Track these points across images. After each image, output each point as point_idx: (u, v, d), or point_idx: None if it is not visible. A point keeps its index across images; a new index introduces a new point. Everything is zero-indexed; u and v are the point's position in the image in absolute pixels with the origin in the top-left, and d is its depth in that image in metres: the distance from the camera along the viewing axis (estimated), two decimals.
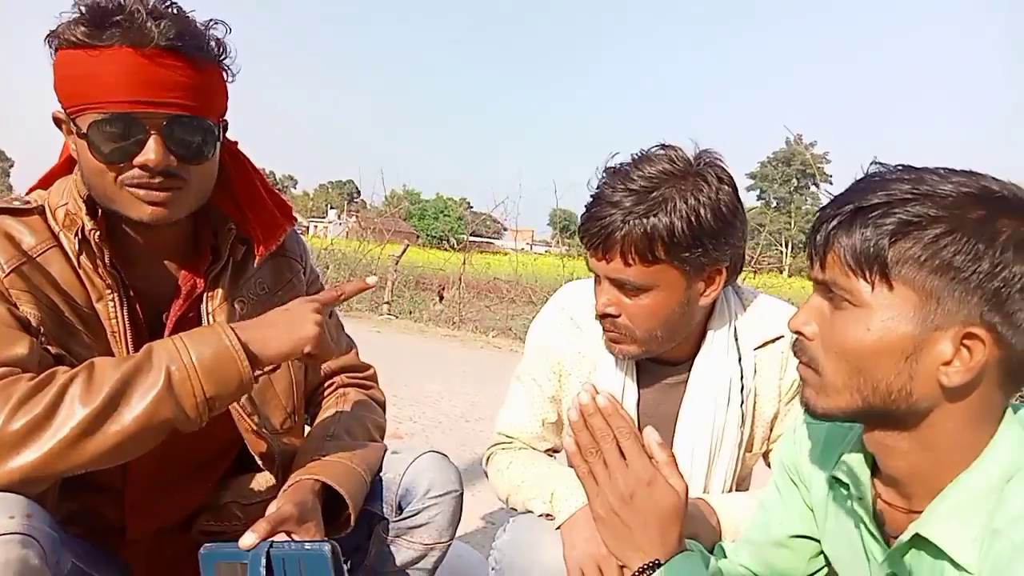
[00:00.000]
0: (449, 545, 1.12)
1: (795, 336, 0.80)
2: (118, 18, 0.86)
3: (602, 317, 1.14)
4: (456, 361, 6.06)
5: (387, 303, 10.01)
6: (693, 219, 1.03)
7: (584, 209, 1.12)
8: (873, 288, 0.71)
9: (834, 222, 0.73)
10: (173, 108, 0.91)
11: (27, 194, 1.03)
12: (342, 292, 1.03)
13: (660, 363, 1.22)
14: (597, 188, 1.11)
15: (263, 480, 1.12)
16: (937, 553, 0.73)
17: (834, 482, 0.86)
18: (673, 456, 0.83)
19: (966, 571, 0.70)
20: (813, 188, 57.54)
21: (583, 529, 1.05)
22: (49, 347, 0.90)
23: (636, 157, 1.10)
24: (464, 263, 10.89)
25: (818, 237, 0.75)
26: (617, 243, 1.05)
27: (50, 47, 0.92)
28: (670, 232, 1.03)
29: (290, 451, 1.12)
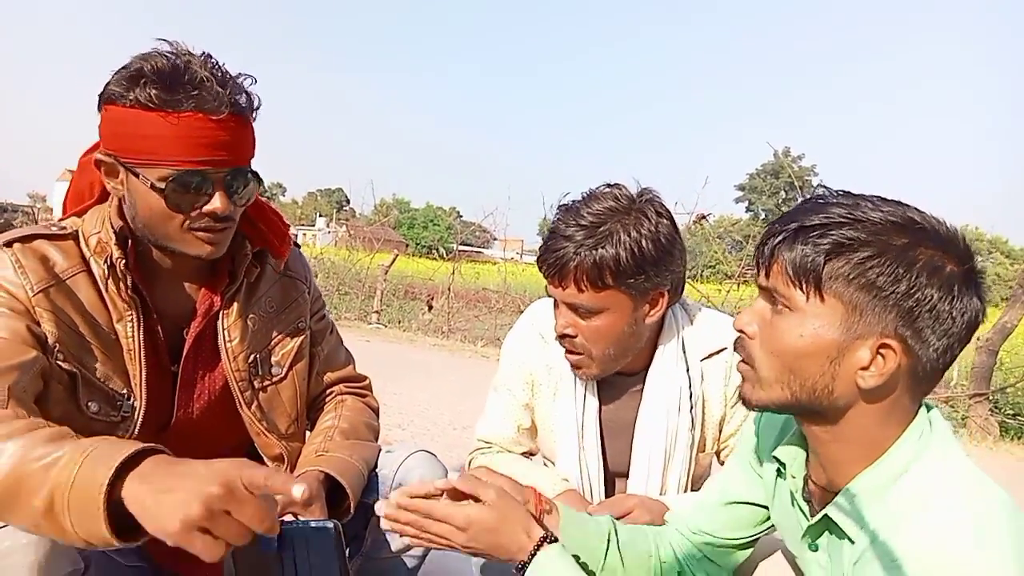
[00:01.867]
0: None
1: (737, 334, 0.91)
2: (189, 87, 0.98)
3: (561, 337, 1.29)
4: (444, 370, 6.15)
5: (376, 312, 10.10)
6: (636, 250, 1.18)
7: (542, 242, 1.26)
8: (808, 298, 0.81)
9: (779, 237, 0.84)
10: (232, 163, 1.05)
11: (62, 220, 1.14)
12: (261, 485, 0.75)
13: (618, 374, 1.36)
14: (552, 223, 1.25)
15: None
16: (839, 531, 0.86)
17: (775, 461, 1.00)
18: (471, 477, 0.98)
19: (853, 542, 0.83)
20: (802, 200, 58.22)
21: None
22: (63, 363, 1.00)
23: (585, 195, 1.25)
24: (453, 273, 10.97)
25: (765, 249, 0.85)
26: (570, 272, 1.19)
27: (113, 103, 1.00)
28: (616, 262, 1.17)
29: (295, 452, 1.24)
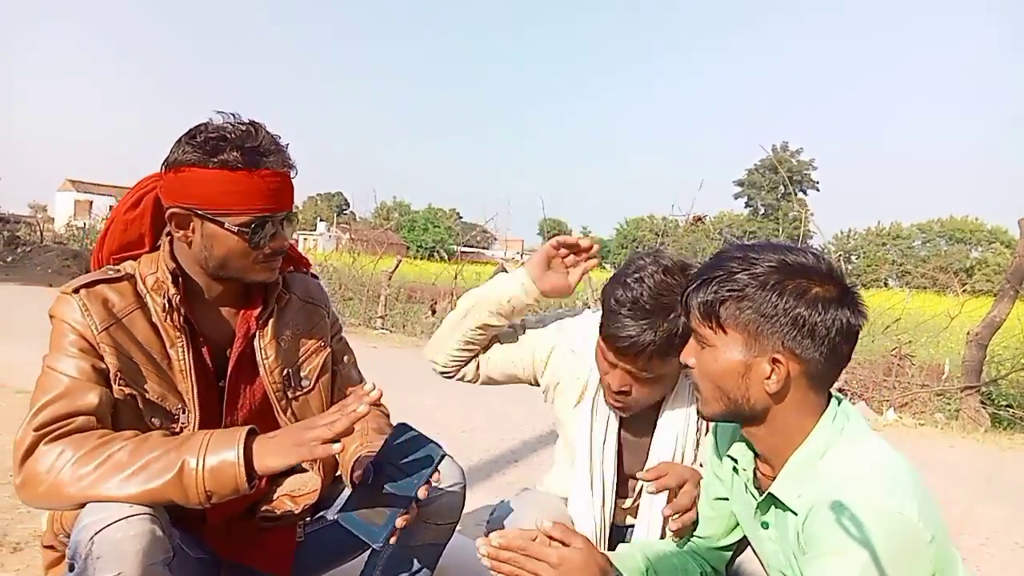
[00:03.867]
0: (456, 525, 1.42)
1: (684, 366, 1.15)
2: (263, 150, 1.21)
3: (616, 393, 1.44)
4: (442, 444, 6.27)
5: (381, 317, 10.29)
6: None
7: (606, 320, 1.36)
8: (715, 332, 1.06)
9: (692, 286, 1.09)
10: (286, 208, 1.28)
11: (117, 264, 1.33)
12: (354, 415, 1.14)
13: None
14: (611, 303, 1.35)
15: (306, 477, 1.41)
16: (782, 506, 1.08)
17: (730, 460, 1.22)
18: (560, 525, 1.17)
19: (795, 513, 1.05)
20: (801, 195, 58.30)
21: None
22: (125, 388, 1.20)
23: (635, 272, 1.35)
24: (456, 276, 11.14)
25: (685, 300, 1.11)
26: (645, 354, 1.33)
27: (193, 166, 1.19)
28: (676, 335, 1.31)
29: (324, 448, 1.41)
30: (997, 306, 6.54)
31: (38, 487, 1.08)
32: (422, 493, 1.16)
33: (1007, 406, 6.58)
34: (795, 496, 1.05)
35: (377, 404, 1.55)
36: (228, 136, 1.20)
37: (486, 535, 1.48)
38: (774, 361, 1.03)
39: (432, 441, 1.20)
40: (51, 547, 1.32)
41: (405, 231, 43.91)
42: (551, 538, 1.15)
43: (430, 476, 1.17)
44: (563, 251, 1.54)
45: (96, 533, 1.00)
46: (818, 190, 63.59)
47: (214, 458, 1.08)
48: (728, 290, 1.04)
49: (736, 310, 1.04)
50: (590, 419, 1.53)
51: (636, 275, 1.36)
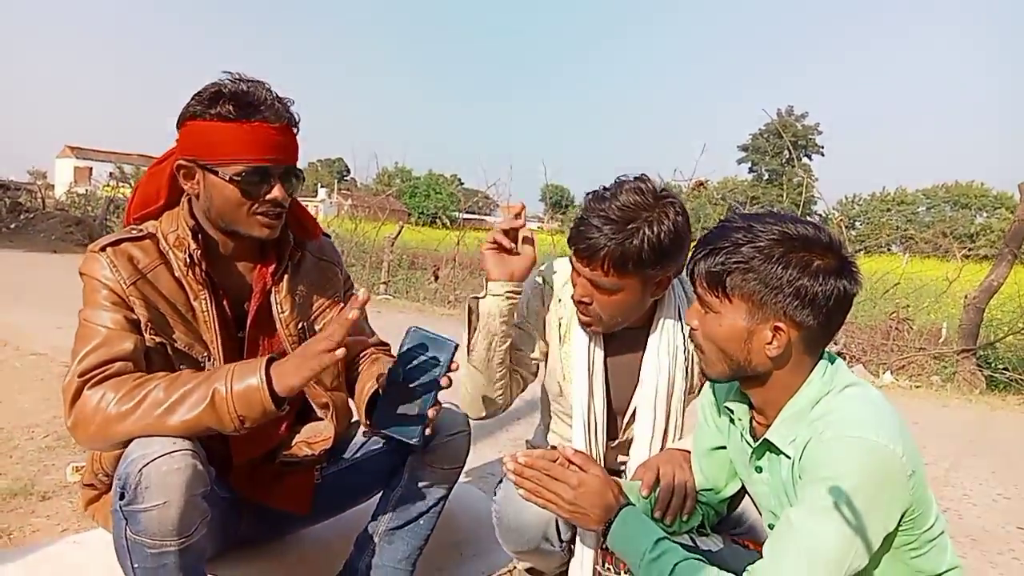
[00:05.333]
0: (461, 470, 1.52)
1: (689, 328, 1.22)
2: (257, 103, 1.26)
3: (578, 303, 1.53)
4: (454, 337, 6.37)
5: (384, 283, 10.37)
6: (656, 245, 1.39)
7: (574, 225, 1.45)
8: (720, 301, 1.14)
9: (698, 255, 1.16)
10: (286, 162, 1.32)
11: (138, 223, 1.40)
12: (347, 321, 1.19)
13: (624, 328, 1.61)
14: (584, 210, 1.43)
15: (322, 425, 1.50)
16: (776, 450, 1.17)
17: (727, 411, 1.30)
18: (581, 452, 1.27)
19: (788, 457, 1.14)
20: (805, 160, 57.69)
21: None
22: (155, 337, 1.28)
23: (615, 186, 1.43)
24: (459, 242, 11.16)
25: (691, 267, 1.17)
26: (599, 258, 1.40)
27: (195, 119, 1.27)
28: (638, 254, 1.38)
29: (339, 400, 1.50)
30: (995, 270, 6.58)
31: (88, 427, 1.17)
32: (444, 381, 1.26)
33: (1004, 369, 6.67)
34: (788, 441, 1.14)
35: (384, 348, 1.65)
36: (225, 90, 1.26)
37: (494, 510, 1.59)
38: (776, 329, 1.10)
39: (444, 337, 1.28)
40: (91, 485, 1.41)
41: (406, 197, 43.71)
42: (571, 462, 1.24)
43: (449, 364, 1.26)
44: (504, 240, 1.54)
45: (144, 466, 1.09)
46: (823, 155, 63.09)
47: (240, 384, 1.16)
48: (735, 262, 1.10)
49: (741, 280, 1.10)
50: (583, 355, 1.60)
51: (613, 188, 1.43)
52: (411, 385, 1.26)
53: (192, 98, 1.29)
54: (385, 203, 13.29)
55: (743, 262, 1.10)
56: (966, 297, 6.78)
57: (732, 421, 1.30)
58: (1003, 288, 6.72)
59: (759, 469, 1.24)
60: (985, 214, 53.45)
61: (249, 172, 1.28)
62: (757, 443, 1.21)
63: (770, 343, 1.11)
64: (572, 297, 1.54)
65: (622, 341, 1.62)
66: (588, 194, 1.47)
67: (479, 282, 11.18)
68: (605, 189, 1.45)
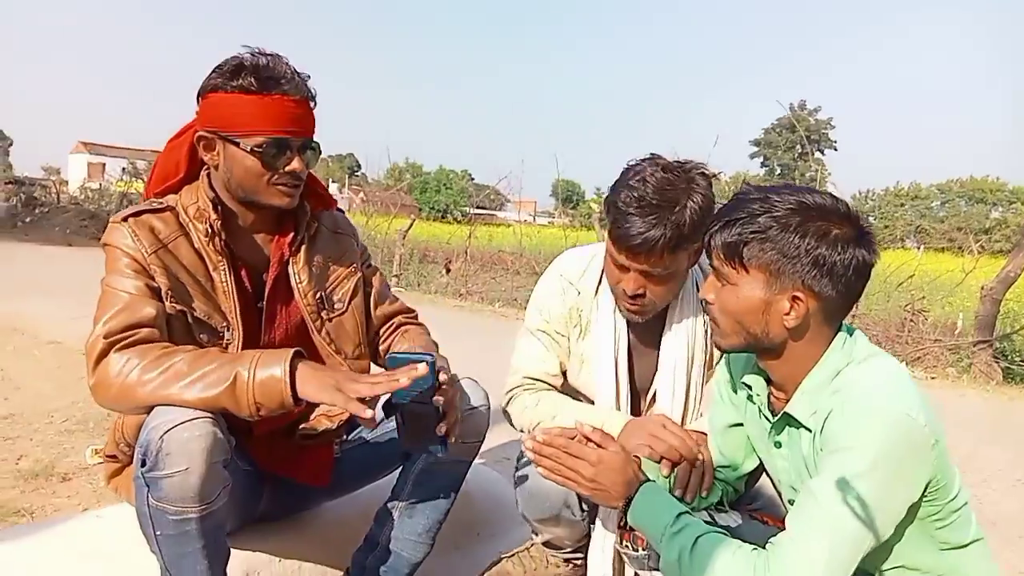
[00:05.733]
0: (481, 443, 1.51)
1: (704, 301, 1.21)
2: (277, 76, 1.29)
3: (632, 298, 1.49)
4: (466, 330, 6.40)
5: (395, 276, 10.40)
6: (700, 214, 1.37)
7: (615, 223, 1.40)
8: (737, 272, 1.12)
9: (714, 227, 1.14)
10: (304, 134, 1.34)
11: (158, 197, 1.40)
12: (375, 392, 1.19)
13: None
14: (617, 208, 1.39)
15: None
16: (796, 423, 1.16)
17: (745, 386, 1.29)
18: (599, 430, 1.26)
19: (809, 430, 1.12)
20: (818, 154, 57.23)
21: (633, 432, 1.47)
22: (176, 305, 1.30)
23: (635, 175, 1.40)
24: (470, 236, 11.17)
25: (707, 240, 1.16)
26: (657, 249, 1.37)
27: (217, 91, 1.28)
28: (691, 228, 1.36)
29: (360, 371, 1.49)
30: (1012, 260, 6.52)
31: (109, 390, 1.18)
32: (437, 399, 1.25)
33: (1021, 362, 6.60)
34: (809, 414, 1.12)
35: (411, 315, 1.67)
36: (246, 63, 1.28)
37: (515, 477, 1.59)
38: (794, 299, 1.09)
39: (419, 355, 1.26)
40: (112, 456, 1.43)
41: (417, 192, 43.75)
42: (589, 440, 1.24)
43: (435, 378, 1.25)
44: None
45: (165, 432, 1.10)
46: (836, 150, 62.51)
47: (263, 372, 1.16)
48: (751, 232, 1.09)
49: (759, 251, 1.09)
50: (608, 340, 1.60)
51: (637, 176, 1.40)
52: (413, 410, 1.26)
53: (213, 71, 1.30)
54: (396, 198, 13.32)
55: (760, 232, 1.08)
56: (982, 288, 6.71)
57: (750, 397, 1.29)
58: (1020, 279, 6.64)
59: (778, 444, 1.23)
60: (1001, 209, 52.83)
61: (269, 144, 1.29)
62: (776, 418, 1.20)
63: (788, 314, 1.10)
64: (619, 292, 1.51)
65: (644, 325, 1.61)
66: (611, 192, 1.44)
67: (490, 275, 11.19)
68: (627, 180, 1.42)
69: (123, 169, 20.14)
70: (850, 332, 1.17)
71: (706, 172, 1.43)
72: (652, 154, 1.47)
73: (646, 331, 1.62)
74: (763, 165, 63.01)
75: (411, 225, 11.31)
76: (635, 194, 1.38)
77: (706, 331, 1.61)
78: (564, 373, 1.69)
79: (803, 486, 1.10)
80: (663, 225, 1.36)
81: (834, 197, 1.11)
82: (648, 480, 1.26)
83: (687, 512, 1.18)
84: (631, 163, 1.46)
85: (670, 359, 1.60)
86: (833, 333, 1.15)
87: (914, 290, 8.23)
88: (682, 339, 1.59)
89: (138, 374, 1.16)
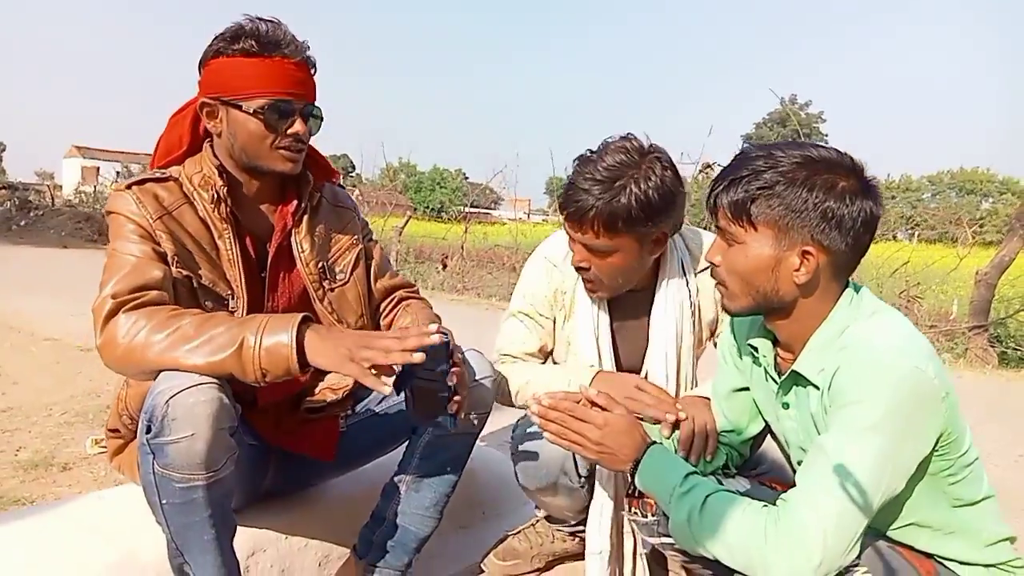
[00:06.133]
0: (488, 416, 1.50)
1: (709, 264, 1.20)
2: (276, 39, 1.28)
3: (577, 268, 1.53)
4: (464, 323, 6.36)
5: None
6: (645, 201, 1.38)
7: (563, 190, 1.45)
8: (745, 230, 1.10)
9: (719, 188, 1.13)
10: (306, 98, 1.33)
11: (161, 169, 1.39)
12: (389, 361, 1.15)
13: (628, 291, 1.60)
14: (571, 174, 1.44)
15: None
16: (804, 381, 1.15)
17: (751, 349, 1.28)
18: (604, 393, 1.26)
19: (817, 388, 1.12)
20: None
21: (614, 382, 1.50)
22: (181, 270, 1.29)
23: (600, 148, 1.43)
24: (466, 231, 11.18)
25: (711, 199, 1.14)
26: (588, 220, 1.39)
27: (218, 56, 1.29)
28: (628, 212, 1.37)
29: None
30: (1006, 246, 6.56)
31: (116, 350, 1.17)
32: (451, 380, 1.24)
33: (1015, 347, 6.63)
34: (817, 371, 1.11)
35: (411, 289, 1.67)
36: (246, 27, 1.28)
37: (512, 448, 1.58)
38: (804, 254, 1.08)
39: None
40: (116, 431, 1.42)
41: (411, 192, 43.67)
42: (594, 404, 1.24)
43: (449, 356, 1.24)
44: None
45: (171, 397, 1.08)
46: (827, 143, 62.57)
47: (270, 339, 1.14)
48: (758, 188, 1.07)
49: (767, 207, 1.07)
50: (589, 322, 1.60)
51: (599, 150, 1.43)
52: (424, 386, 1.24)
53: (214, 38, 1.30)
54: (390, 197, 13.30)
55: (767, 187, 1.07)
56: (977, 273, 6.74)
57: (755, 360, 1.28)
58: (1013, 265, 6.68)
59: (786, 405, 1.22)
60: (991, 199, 53.03)
61: (272, 106, 1.29)
62: (783, 378, 1.19)
63: (798, 269, 1.09)
64: (571, 263, 1.53)
65: (629, 305, 1.62)
66: (575, 159, 1.46)
67: (486, 271, 11.19)
68: (591, 152, 1.44)
69: (117, 173, 20.07)
70: (856, 289, 1.16)
71: (664, 162, 1.42)
72: (628, 133, 1.47)
73: (634, 315, 1.63)
74: None
75: (407, 221, 11.30)
76: (587, 165, 1.41)
77: (694, 311, 1.61)
78: (548, 354, 1.71)
79: (812, 443, 1.09)
80: (598, 199, 1.38)
81: (838, 150, 1.11)
82: (655, 442, 1.25)
83: (696, 472, 1.17)
84: (608, 138, 1.48)
85: (660, 341, 1.60)
86: (841, 289, 1.14)
87: (908, 276, 8.25)
88: (670, 321, 1.59)
89: (145, 335, 1.15)
